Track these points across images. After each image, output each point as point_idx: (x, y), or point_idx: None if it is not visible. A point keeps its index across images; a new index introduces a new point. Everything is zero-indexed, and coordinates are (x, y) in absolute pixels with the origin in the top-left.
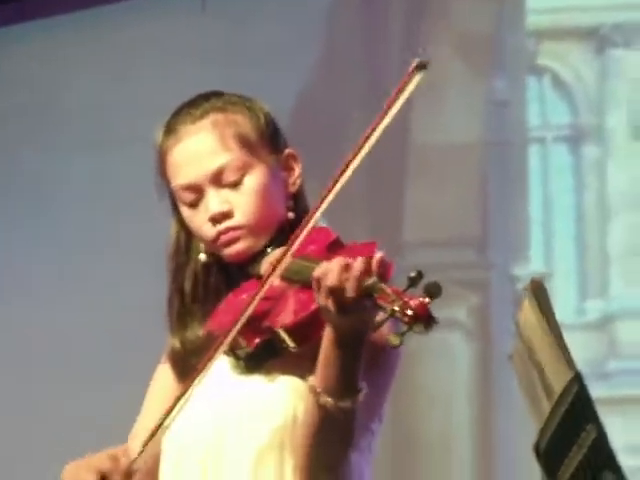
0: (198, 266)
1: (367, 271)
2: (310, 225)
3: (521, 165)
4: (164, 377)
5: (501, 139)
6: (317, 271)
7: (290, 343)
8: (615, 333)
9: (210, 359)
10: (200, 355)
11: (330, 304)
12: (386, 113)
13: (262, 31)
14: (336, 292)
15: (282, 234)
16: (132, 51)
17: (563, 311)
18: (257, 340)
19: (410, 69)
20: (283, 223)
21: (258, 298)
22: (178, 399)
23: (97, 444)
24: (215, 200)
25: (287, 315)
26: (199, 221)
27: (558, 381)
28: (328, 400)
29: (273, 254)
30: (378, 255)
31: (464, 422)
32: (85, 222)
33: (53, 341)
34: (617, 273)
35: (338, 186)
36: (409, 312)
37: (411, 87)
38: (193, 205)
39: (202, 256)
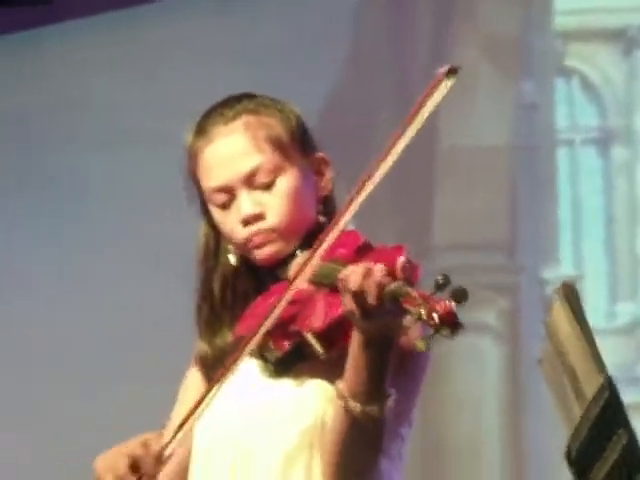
0: (227, 270)
1: (389, 276)
2: (339, 228)
3: (550, 168)
4: (194, 381)
5: (530, 142)
6: (342, 274)
7: (319, 349)
8: None
9: (237, 359)
10: None
11: (354, 308)
12: (413, 118)
13: (290, 32)
14: (358, 297)
15: (312, 238)
16: (161, 51)
17: (593, 314)
18: (286, 344)
19: (440, 74)
20: (313, 227)
21: (285, 300)
22: (206, 394)
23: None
24: (247, 202)
25: (316, 319)
26: (231, 223)
27: (589, 386)
28: (355, 405)
29: (302, 257)
30: (401, 259)
31: (493, 427)
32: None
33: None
34: None
35: (366, 190)
36: (435, 316)
37: (442, 93)
38: (225, 207)
39: (232, 258)
